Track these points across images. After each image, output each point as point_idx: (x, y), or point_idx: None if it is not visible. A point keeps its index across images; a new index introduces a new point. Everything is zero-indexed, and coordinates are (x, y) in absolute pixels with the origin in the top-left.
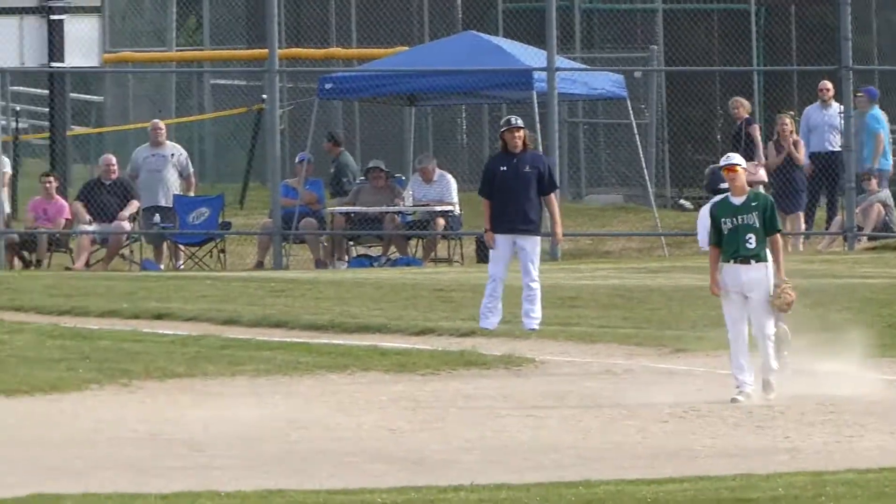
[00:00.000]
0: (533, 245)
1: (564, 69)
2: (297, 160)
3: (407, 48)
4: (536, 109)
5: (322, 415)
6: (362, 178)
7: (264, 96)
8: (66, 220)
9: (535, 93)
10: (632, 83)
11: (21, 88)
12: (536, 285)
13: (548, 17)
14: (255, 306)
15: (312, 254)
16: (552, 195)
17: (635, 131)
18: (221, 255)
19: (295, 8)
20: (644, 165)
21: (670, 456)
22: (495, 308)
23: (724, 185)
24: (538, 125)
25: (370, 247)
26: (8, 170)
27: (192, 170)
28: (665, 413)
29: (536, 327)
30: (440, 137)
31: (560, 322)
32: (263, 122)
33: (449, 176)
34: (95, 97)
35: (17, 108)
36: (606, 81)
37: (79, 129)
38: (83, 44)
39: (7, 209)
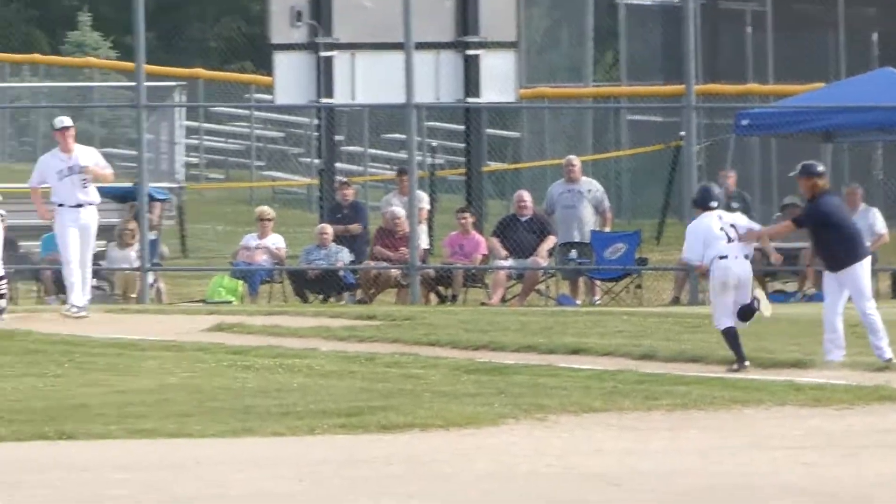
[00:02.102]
0: (853, 277)
1: None
2: None
3: (823, 84)
4: None
5: (736, 448)
6: (779, 213)
7: (682, 133)
8: (483, 255)
9: None
10: None
11: (437, 124)
12: (868, 318)
13: None
14: (671, 341)
15: None
16: None
17: None
18: (638, 290)
19: (712, 44)
20: None
21: None
22: (836, 341)
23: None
24: None
25: (786, 282)
26: (426, 205)
27: (608, 205)
28: None
29: (888, 357)
30: (856, 174)
31: None
32: (680, 158)
33: (875, 209)
34: (512, 133)
35: (434, 144)
36: None
37: (495, 166)
38: (499, 79)
39: (425, 244)
